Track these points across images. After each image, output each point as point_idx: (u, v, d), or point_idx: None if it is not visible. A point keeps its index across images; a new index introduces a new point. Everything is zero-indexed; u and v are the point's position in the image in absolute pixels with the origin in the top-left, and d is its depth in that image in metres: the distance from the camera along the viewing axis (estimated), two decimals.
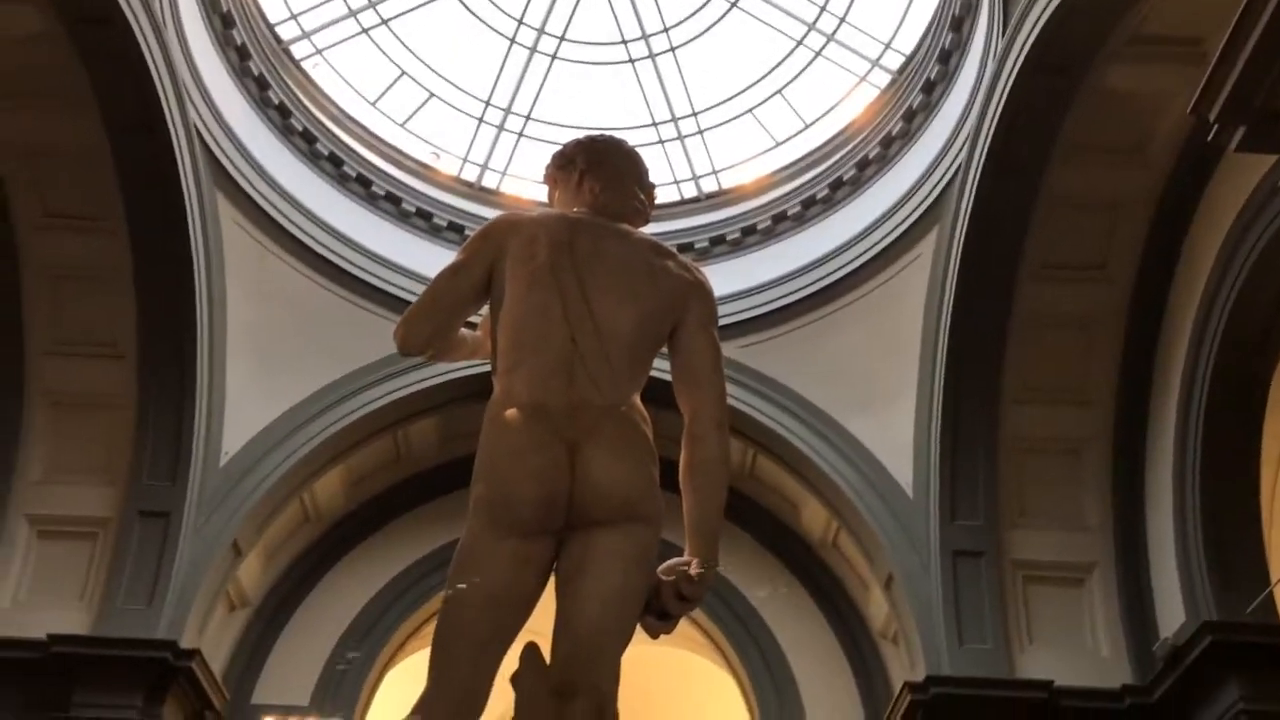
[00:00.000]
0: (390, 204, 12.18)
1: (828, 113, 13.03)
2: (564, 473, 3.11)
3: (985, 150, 9.51)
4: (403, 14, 13.27)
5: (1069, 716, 9.67)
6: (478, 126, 13.47)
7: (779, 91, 13.46)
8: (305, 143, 11.82)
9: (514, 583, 3.10)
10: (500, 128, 13.50)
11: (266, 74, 11.57)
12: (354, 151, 12.24)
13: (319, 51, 12.67)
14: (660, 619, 3.23)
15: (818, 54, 13.22)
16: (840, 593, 11.96)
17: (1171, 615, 9.51)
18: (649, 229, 3.84)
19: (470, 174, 13.18)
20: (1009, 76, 9.09)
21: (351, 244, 11.48)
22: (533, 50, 13.62)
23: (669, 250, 3.61)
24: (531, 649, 3.03)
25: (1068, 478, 10.41)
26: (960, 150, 10.18)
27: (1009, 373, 10.23)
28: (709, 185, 13.19)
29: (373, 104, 13.10)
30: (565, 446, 3.13)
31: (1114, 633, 10.08)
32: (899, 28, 12.45)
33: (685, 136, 13.52)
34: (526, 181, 13.14)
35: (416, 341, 3.50)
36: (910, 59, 11.98)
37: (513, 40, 13.59)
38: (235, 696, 11.03)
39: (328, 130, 12.11)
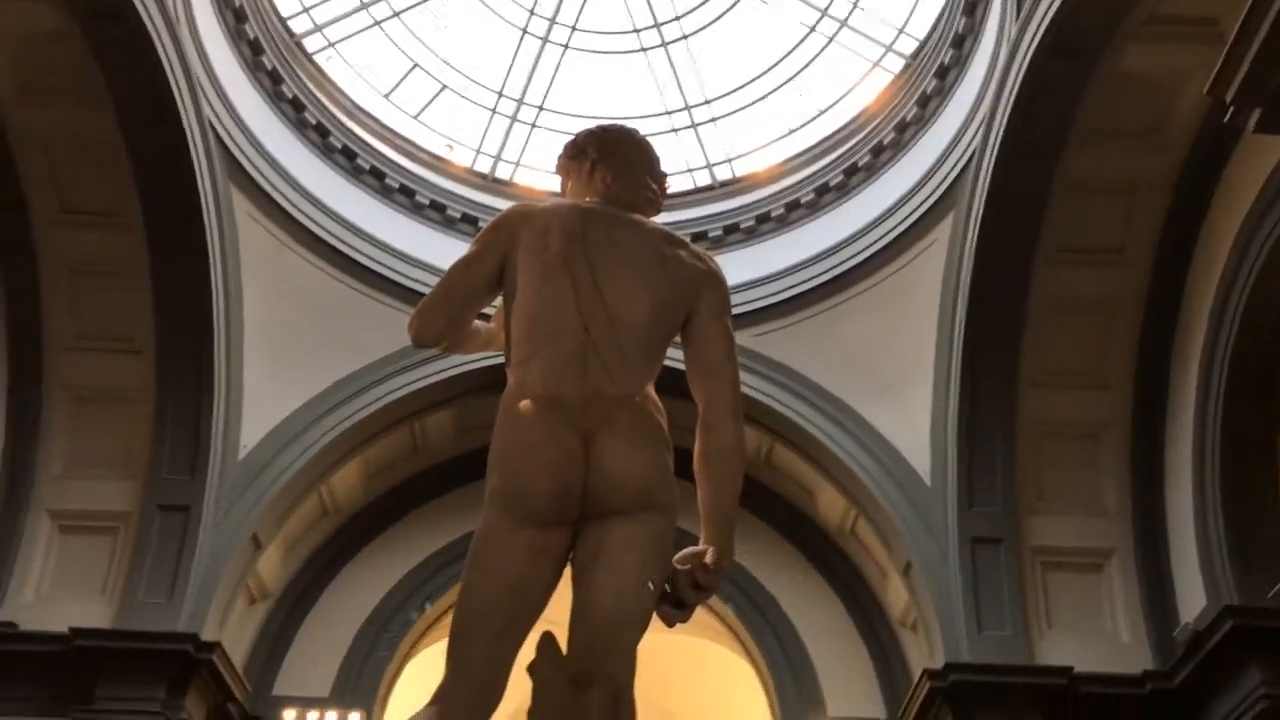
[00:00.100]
0: (404, 196, 12.20)
1: (841, 99, 12.98)
2: (578, 464, 3.11)
3: (1000, 135, 9.46)
4: (414, 6, 13.27)
5: (1089, 703, 9.64)
6: (491, 118, 13.48)
7: (792, 78, 13.41)
8: (319, 136, 11.84)
9: (530, 573, 3.11)
10: (513, 119, 13.50)
11: (279, 68, 11.59)
12: (367, 144, 12.26)
13: (331, 45, 12.68)
14: (676, 608, 3.23)
15: (830, 40, 13.17)
16: (858, 580, 11.96)
17: (1192, 600, 9.47)
18: (662, 218, 3.83)
19: (484, 165, 13.19)
20: (1023, 60, 9.03)
21: (366, 237, 11.50)
22: (545, 40, 13.61)
23: (681, 239, 3.59)
24: (548, 638, 3.03)
25: (1086, 462, 10.37)
26: (975, 135, 10.13)
27: (1026, 357, 10.19)
28: (722, 173, 13.16)
29: (385, 96, 13.12)
30: (579, 437, 3.12)
31: (1134, 618, 10.05)
32: (912, 13, 12.40)
33: (698, 125, 13.50)
34: (540, 172, 13.14)
35: (431, 334, 3.50)
36: (924, 44, 11.92)
37: (525, 30, 13.58)
38: (256, 688, 11.11)
39: (341, 123, 12.13)
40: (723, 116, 13.53)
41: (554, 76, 13.63)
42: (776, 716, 11.61)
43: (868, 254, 11.25)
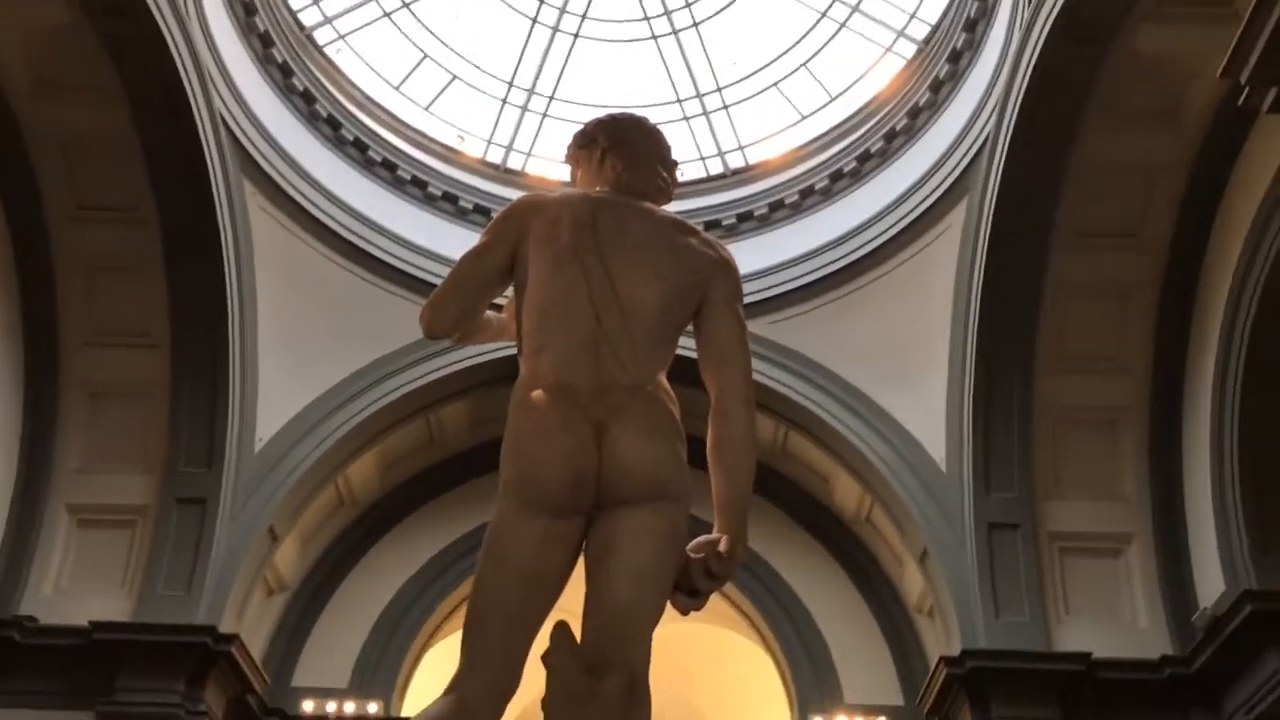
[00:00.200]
0: (416, 188, 12.20)
1: (853, 85, 12.95)
2: (591, 453, 3.11)
3: (1014, 119, 9.40)
4: None
5: (1107, 688, 9.62)
6: (501, 108, 13.47)
7: (804, 65, 13.37)
8: (330, 128, 11.86)
9: (544, 562, 3.11)
10: (524, 109, 13.49)
11: (290, 61, 11.60)
12: (379, 136, 12.27)
13: (341, 37, 12.69)
14: (690, 596, 3.22)
15: (842, 25, 13.11)
16: (875, 567, 11.95)
17: (1211, 585, 9.43)
18: (674, 206, 3.81)
19: (495, 156, 13.19)
20: (1037, 43, 8.97)
21: (378, 228, 11.52)
22: (555, 29, 13.58)
23: (692, 228, 3.58)
24: (562, 627, 3.03)
25: (1103, 448, 10.33)
26: (989, 120, 10.08)
27: (1042, 343, 10.14)
28: (735, 161, 13.13)
29: (396, 88, 13.13)
30: (592, 427, 3.12)
31: (1152, 603, 10.02)
32: None
33: (710, 112, 13.46)
34: (552, 162, 13.14)
35: (442, 324, 3.49)
36: (936, 28, 11.86)
37: (535, 20, 13.56)
38: (275, 680, 11.17)
39: (352, 115, 12.14)
40: (735, 104, 13.49)
41: (565, 66, 13.61)
42: (794, 704, 11.62)
43: (882, 240, 11.21)
